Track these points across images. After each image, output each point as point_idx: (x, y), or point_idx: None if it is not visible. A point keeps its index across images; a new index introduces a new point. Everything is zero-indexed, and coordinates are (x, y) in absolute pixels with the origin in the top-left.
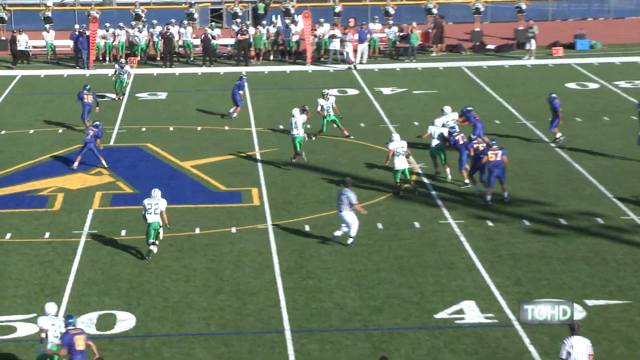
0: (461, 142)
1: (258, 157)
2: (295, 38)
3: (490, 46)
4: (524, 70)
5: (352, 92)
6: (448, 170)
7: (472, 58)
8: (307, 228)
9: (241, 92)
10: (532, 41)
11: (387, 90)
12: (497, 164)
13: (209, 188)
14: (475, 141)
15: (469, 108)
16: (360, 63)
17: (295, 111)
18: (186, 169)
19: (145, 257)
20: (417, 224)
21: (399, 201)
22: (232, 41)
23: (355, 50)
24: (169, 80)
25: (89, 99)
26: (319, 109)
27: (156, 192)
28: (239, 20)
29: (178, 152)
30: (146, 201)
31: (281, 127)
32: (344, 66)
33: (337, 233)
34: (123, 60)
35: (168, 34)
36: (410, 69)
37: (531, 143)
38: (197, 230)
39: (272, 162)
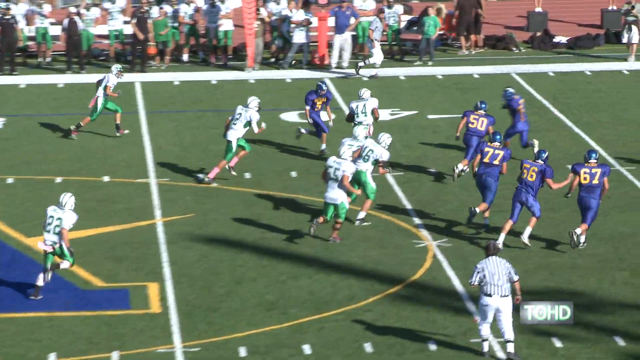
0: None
1: (160, 228)
2: (225, 25)
3: (561, 38)
4: (619, 80)
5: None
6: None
7: (529, 59)
8: (242, 353)
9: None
10: (634, 30)
11: (384, 113)
12: (592, 188)
13: (74, 283)
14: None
15: (510, 90)
16: (339, 67)
17: (365, 92)
18: (36, 251)
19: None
20: (432, 347)
21: (400, 303)
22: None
23: (329, 45)
24: (9, 97)
25: None
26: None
27: (65, 199)
28: None
29: (22, 221)
30: (50, 210)
31: (199, 176)
32: (316, 73)
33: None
34: (119, 66)
35: (7, 17)
36: (423, 78)
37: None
38: (52, 358)
39: (184, 237)
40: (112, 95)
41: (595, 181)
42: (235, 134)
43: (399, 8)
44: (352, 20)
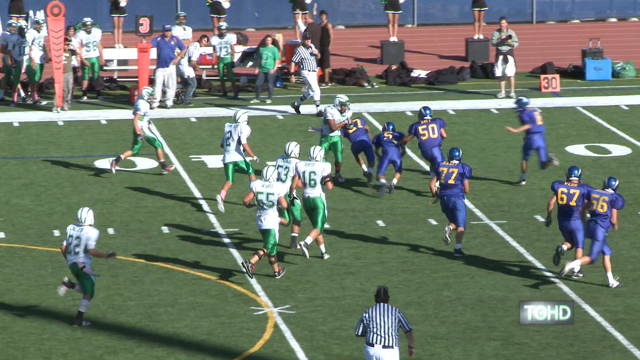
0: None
1: None
2: (33, 56)
3: (420, 72)
4: (487, 120)
5: (143, 164)
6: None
7: (383, 96)
8: None
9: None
10: (511, 61)
11: (213, 160)
12: (570, 211)
13: None
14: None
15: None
16: (162, 107)
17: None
18: None
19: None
20: None
21: None
22: None
23: (152, 80)
24: None
25: None
26: None
27: (84, 214)
28: None
29: None
30: (69, 229)
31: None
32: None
33: None
34: (149, 89)
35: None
36: (261, 118)
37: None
38: None
39: None
40: (140, 132)
41: (573, 203)
42: (233, 155)
43: (231, 37)
44: (177, 52)
